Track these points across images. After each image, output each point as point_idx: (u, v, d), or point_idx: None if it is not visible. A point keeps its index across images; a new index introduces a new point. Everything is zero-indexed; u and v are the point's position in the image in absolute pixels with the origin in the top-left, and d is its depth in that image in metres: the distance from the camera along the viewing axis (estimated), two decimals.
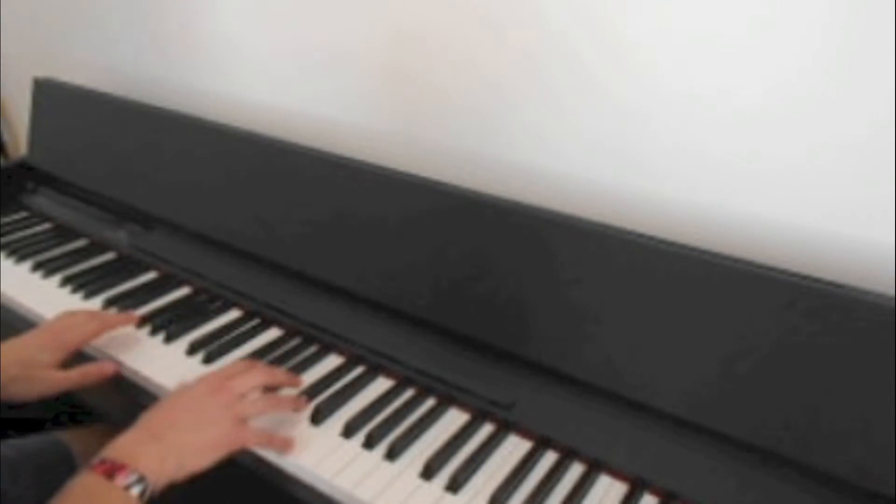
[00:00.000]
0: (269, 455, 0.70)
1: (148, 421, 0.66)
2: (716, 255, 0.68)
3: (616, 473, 0.68)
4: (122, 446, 0.62)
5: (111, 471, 0.59)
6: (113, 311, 0.93)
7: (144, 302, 0.94)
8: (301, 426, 0.73)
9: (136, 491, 0.59)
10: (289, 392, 0.77)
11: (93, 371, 0.81)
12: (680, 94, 0.77)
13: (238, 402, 0.69)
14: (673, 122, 0.78)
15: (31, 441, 0.83)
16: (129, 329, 0.88)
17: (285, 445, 0.70)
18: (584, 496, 0.66)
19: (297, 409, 0.74)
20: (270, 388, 0.76)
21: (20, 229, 1.16)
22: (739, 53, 0.72)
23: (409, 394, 0.78)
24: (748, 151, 0.75)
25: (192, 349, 0.85)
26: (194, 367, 0.82)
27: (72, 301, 0.96)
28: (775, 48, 0.70)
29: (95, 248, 1.10)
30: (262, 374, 0.73)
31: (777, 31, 0.69)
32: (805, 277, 0.64)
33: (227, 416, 0.67)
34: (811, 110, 0.70)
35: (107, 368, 0.81)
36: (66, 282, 0.99)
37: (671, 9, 0.74)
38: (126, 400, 0.82)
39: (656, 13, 0.75)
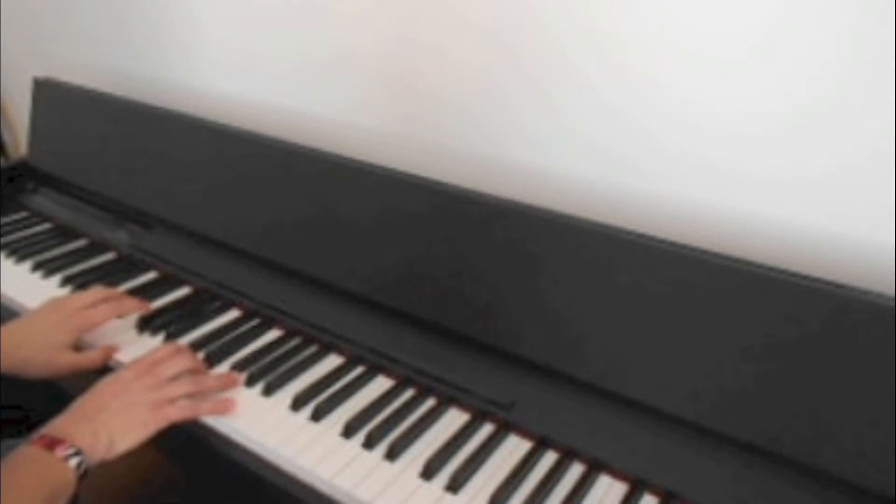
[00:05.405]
0: (270, 455, 0.71)
1: (81, 404, 0.70)
2: (716, 255, 0.68)
3: (616, 473, 0.68)
4: (57, 425, 0.67)
5: (51, 444, 0.64)
6: None
7: None
8: (301, 426, 0.73)
9: (73, 463, 0.64)
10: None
11: (111, 350, 0.84)
12: (678, 98, 0.76)
13: (164, 384, 0.73)
14: (672, 126, 0.78)
15: None
16: (130, 330, 0.88)
17: (215, 410, 0.74)
18: (584, 496, 0.66)
19: (222, 389, 0.77)
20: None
21: (20, 229, 1.16)
22: (740, 56, 0.72)
23: (409, 394, 0.78)
24: (748, 153, 0.75)
25: (193, 349, 0.84)
26: None
27: None
28: (775, 52, 0.70)
29: (95, 248, 1.10)
30: (185, 358, 0.78)
31: (776, 36, 0.69)
32: (805, 277, 0.64)
33: (151, 398, 0.72)
34: (812, 114, 0.70)
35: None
36: (66, 282, 0.99)
37: (670, 17, 0.74)
38: None
39: (656, 21, 0.75)
